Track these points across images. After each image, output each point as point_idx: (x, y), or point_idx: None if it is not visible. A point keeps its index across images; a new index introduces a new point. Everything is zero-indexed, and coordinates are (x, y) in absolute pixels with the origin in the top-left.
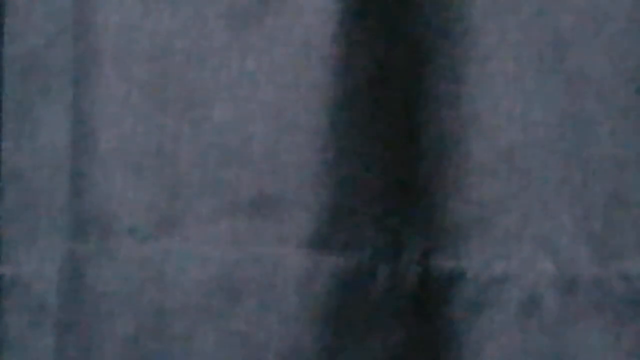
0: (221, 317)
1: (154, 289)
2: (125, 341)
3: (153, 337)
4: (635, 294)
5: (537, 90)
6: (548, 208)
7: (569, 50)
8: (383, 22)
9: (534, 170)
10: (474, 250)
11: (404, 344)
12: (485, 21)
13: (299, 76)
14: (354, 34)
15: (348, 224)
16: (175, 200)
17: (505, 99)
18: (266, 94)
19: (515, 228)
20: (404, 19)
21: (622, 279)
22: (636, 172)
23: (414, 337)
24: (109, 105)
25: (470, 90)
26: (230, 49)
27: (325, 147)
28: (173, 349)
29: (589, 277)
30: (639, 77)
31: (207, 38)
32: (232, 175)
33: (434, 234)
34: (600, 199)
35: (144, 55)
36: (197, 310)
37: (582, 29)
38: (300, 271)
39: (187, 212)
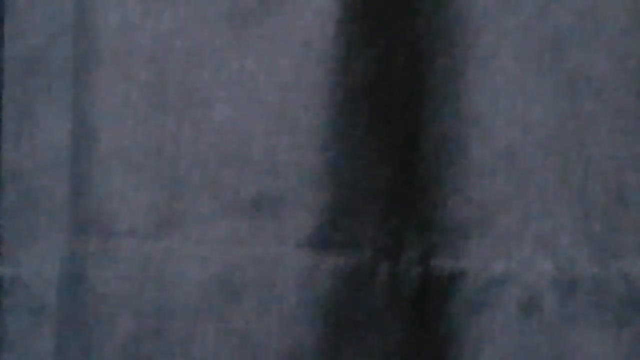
0: (221, 317)
1: (154, 289)
2: (125, 341)
3: (153, 337)
4: (635, 294)
5: (537, 90)
6: (548, 208)
7: (569, 50)
8: (383, 22)
9: (534, 170)
10: (474, 250)
11: (404, 344)
12: (486, 21)
13: (299, 76)
14: (354, 34)
15: (348, 224)
16: (175, 200)
17: (505, 99)
18: (266, 94)
19: (515, 228)
20: (404, 19)
21: (622, 279)
22: (636, 172)
23: (414, 337)
24: (109, 105)
25: (470, 90)
26: (230, 49)
27: (325, 147)
28: (173, 348)
29: (589, 277)
30: (639, 77)
31: (207, 38)
32: (232, 175)
33: (434, 234)
34: (600, 199)
35: (144, 55)
36: (197, 310)
37: (582, 29)
38: (300, 271)
39: (187, 212)
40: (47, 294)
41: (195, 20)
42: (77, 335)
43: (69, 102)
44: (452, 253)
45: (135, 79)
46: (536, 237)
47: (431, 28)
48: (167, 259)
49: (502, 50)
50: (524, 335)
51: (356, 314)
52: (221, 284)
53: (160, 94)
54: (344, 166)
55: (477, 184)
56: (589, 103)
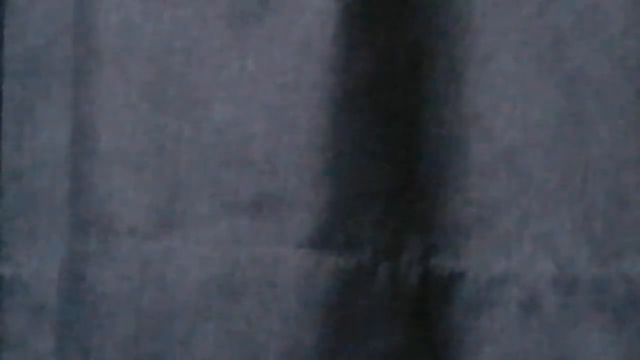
0: (221, 317)
1: (154, 289)
2: (125, 341)
3: (153, 337)
4: (635, 294)
5: (537, 90)
6: (548, 208)
7: (569, 50)
8: (383, 22)
9: (534, 170)
10: (474, 250)
11: (404, 344)
12: (485, 21)
13: (299, 76)
14: (354, 34)
15: (348, 224)
16: (175, 200)
17: (505, 99)
18: (266, 94)
19: (515, 228)
20: (404, 19)
21: (622, 279)
22: (636, 172)
23: (414, 337)
24: (109, 105)
25: (470, 90)
26: (230, 49)
27: (325, 147)
28: (173, 349)
29: (589, 277)
30: (639, 77)
31: (207, 38)
32: (232, 175)
33: (434, 234)
34: (600, 199)
35: (144, 55)
36: (197, 310)
37: (582, 29)
38: (300, 271)
39: (187, 212)
40: (47, 294)
41: (195, 20)
42: (77, 335)
43: (69, 102)
44: (452, 253)
45: (135, 79)
46: (536, 237)
47: (431, 28)
48: (167, 259)
49: (502, 50)
50: (524, 335)
51: (356, 314)
52: (221, 284)
53: (160, 94)
54: (344, 166)
55: (477, 184)
56: (589, 103)
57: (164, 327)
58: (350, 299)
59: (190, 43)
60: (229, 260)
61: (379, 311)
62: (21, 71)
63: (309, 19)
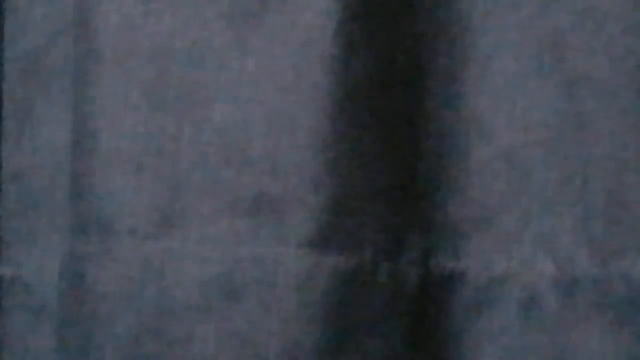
0: (221, 317)
1: (154, 289)
2: (125, 341)
3: (153, 337)
4: (635, 294)
5: (537, 90)
6: (548, 208)
7: (569, 50)
8: (383, 22)
9: (534, 170)
10: (474, 250)
11: (404, 344)
12: (485, 21)
13: (299, 76)
14: (354, 34)
15: (348, 224)
16: (175, 200)
17: (505, 99)
18: (266, 94)
19: (515, 228)
20: (404, 19)
21: (622, 279)
22: (636, 172)
23: (414, 337)
24: (109, 105)
25: (470, 90)
26: (230, 49)
27: (325, 147)
28: (173, 349)
29: (589, 277)
30: (639, 77)
31: (207, 38)
32: (232, 175)
33: (434, 234)
34: (600, 199)
35: (144, 55)
36: (197, 310)
37: (582, 29)
38: (300, 271)
39: (187, 212)
40: (47, 294)
41: (196, 20)
42: (77, 335)
43: (69, 102)
44: (452, 253)
45: (136, 78)
46: (536, 237)
47: (431, 28)
48: (167, 259)
49: (502, 50)
50: (524, 335)
51: (356, 314)
52: (221, 284)
53: (161, 94)
54: (344, 166)
55: (477, 184)
56: (589, 103)
57: (164, 327)
58: (350, 299)
59: (190, 43)
60: (229, 260)
61: (379, 311)
62: (21, 71)
63: (309, 19)
